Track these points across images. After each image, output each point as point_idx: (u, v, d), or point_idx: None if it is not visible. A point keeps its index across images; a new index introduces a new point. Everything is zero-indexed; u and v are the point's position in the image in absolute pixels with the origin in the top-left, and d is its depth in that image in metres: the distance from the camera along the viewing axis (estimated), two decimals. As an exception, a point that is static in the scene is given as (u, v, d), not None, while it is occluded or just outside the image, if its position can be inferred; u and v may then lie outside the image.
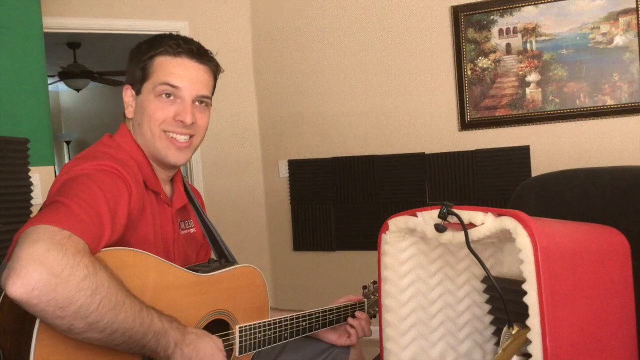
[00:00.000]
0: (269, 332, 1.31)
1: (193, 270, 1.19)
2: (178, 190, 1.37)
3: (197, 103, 1.28)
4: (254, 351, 1.29)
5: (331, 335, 1.52)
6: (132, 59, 1.29)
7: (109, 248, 1.02)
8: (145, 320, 0.99)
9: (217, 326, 1.23)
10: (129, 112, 1.29)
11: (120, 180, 1.12)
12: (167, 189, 1.34)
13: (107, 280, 0.94)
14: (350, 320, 1.52)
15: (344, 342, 1.53)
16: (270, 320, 1.32)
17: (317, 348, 1.52)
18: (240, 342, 1.25)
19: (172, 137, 1.26)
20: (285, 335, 1.36)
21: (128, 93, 1.29)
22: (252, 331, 1.27)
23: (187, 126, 1.26)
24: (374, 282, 1.68)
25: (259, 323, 1.29)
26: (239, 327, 1.25)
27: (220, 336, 1.22)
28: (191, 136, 1.29)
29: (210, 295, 1.20)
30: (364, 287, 1.67)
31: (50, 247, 0.88)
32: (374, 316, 1.67)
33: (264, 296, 1.34)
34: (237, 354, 1.24)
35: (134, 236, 1.17)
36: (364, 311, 1.60)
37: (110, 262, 0.99)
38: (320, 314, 1.46)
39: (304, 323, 1.41)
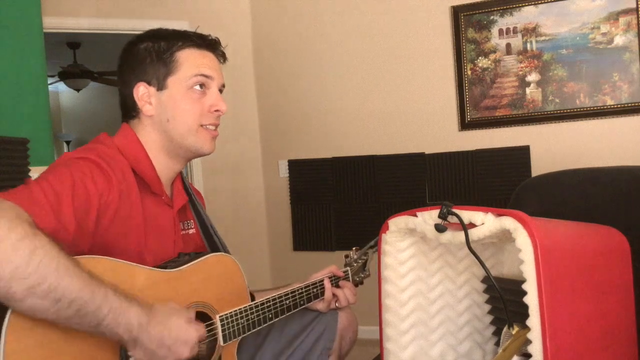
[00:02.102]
0: (252, 316, 1.30)
1: (162, 268, 1.17)
2: (177, 189, 1.36)
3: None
4: (240, 337, 1.28)
5: (316, 305, 1.51)
6: (142, 55, 1.25)
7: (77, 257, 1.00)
8: (96, 292, 0.93)
9: (197, 319, 1.20)
10: (149, 110, 1.25)
11: (98, 169, 1.11)
12: (167, 189, 1.33)
13: (48, 243, 0.90)
14: (334, 290, 1.51)
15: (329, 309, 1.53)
16: (251, 305, 1.31)
17: (305, 319, 1.52)
18: (223, 330, 1.24)
19: (208, 129, 1.28)
20: (270, 316, 1.35)
21: (141, 89, 1.25)
22: (234, 318, 1.26)
23: (219, 116, 1.29)
24: (357, 249, 1.68)
25: (239, 309, 1.28)
26: (220, 316, 1.23)
27: None
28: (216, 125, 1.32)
29: (184, 289, 1.18)
30: (346, 256, 1.67)
31: None
32: (361, 283, 1.66)
33: (241, 282, 1.32)
34: (221, 343, 1.23)
35: (119, 243, 1.15)
36: (349, 280, 1.59)
37: None
38: (304, 290, 1.46)
39: (287, 301, 1.40)
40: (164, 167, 1.29)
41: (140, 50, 1.26)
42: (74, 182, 1.04)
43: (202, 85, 1.26)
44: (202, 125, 1.27)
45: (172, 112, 1.25)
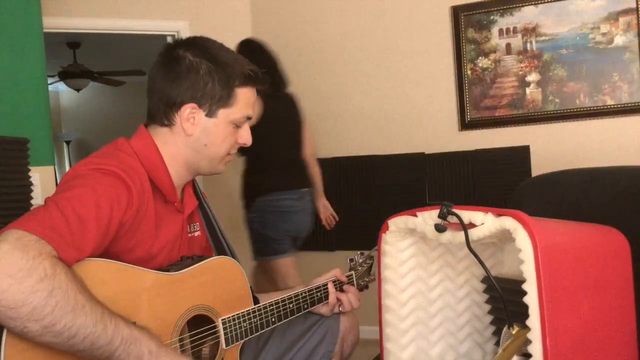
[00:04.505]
0: (255, 319, 1.30)
1: (165, 271, 1.17)
2: (188, 193, 1.37)
3: None
4: (242, 341, 1.28)
5: (319, 309, 1.51)
6: (204, 78, 1.24)
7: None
8: (108, 326, 0.96)
9: (200, 322, 1.22)
10: (190, 129, 1.25)
11: (123, 186, 1.11)
12: (179, 194, 1.34)
13: (66, 282, 0.92)
14: (338, 294, 1.51)
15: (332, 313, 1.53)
16: (254, 308, 1.31)
17: (307, 322, 1.52)
18: (225, 334, 1.24)
19: (229, 155, 1.34)
20: (273, 319, 1.35)
21: (189, 110, 1.24)
22: (236, 321, 1.26)
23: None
24: (361, 253, 1.67)
25: (242, 312, 1.28)
26: (222, 320, 1.24)
27: (204, 331, 1.22)
28: None
29: (186, 292, 1.18)
30: (351, 260, 1.66)
31: (12, 248, 0.88)
32: (366, 287, 1.66)
33: (243, 285, 1.32)
34: (224, 346, 1.24)
35: (129, 250, 1.16)
36: (353, 284, 1.59)
37: (80, 273, 0.98)
38: (307, 294, 1.45)
39: (290, 305, 1.40)
40: (179, 176, 1.30)
41: (203, 70, 1.24)
42: (98, 206, 1.04)
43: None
44: (227, 154, 1.33)
45: (212, 140, 1.28)
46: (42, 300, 0.88)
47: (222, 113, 1.27)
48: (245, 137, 1.33)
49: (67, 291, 0.92)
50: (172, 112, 1.25)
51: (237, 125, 1.30)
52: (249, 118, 1.32)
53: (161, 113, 1.27)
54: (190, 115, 1.25)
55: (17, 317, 0.87)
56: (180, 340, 1.17)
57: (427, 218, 1.20)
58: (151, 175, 1.22)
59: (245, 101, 1.29)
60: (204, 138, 1.27)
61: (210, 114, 1.26)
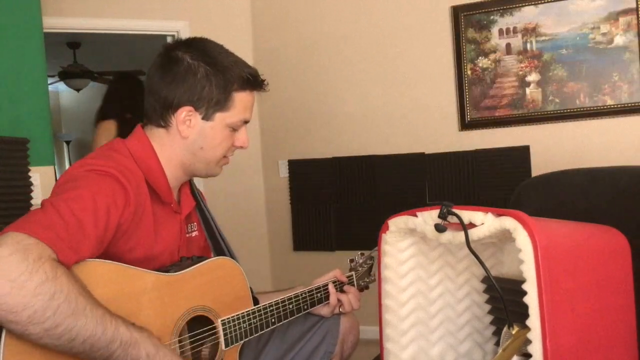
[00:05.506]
0: (255, 320, 1.30)
1: (164, 272, 1.17)
2: (185, 193, 1.37)
3: None
4: (242, 341, 1.28)
5: (320, 310, 1.50)
6: (201, 82, 1.23)
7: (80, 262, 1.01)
8: (108, 327, 0.96)
9: (199, 323, 1.22)
10: (185, 132, 1.25)
11: (119, 187, 1.11)
12: (175, 195, 1.34)
13: (67, 285, 0.92)
14: (339, 295, 1.51)
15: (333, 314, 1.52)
16: (254, 309, 1.31)
17: (307, 323, 1.51)
18: (225, 335, 1.24)
19: (226, 159, 1.34)
20: (273, 320, 1.35)
21: (185, 113, 1.23)
22: (236, 322, 1.26)
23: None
24: (362, 254, 1.67)
25: (241, 313, 1.28)
26: (221, 320, 1.24)
27: (203, 332, 1.22)
28: None
29: (185, 293, 1.18)
30: (351, 261, 1.66)
31: (12, 251, 0.88)
32: (367, 287, 1.66)
33: (243, 285, 1.32)
34: (223, 347, 1.24)
35: (127, 252, 1.16)
36: (353, 285, 1.59)
37: (79, 275, 0.98)
38: (307, 294, 1.45)
39: (290, 306, 1.40)
40: (174, 177, 1.30)
41: (201, 73, 1.23)
42: (96, 208, 1.04)
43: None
44: (224, 157, 1.32)
45: (208, 143, 1.27)
46: (43, 304, 0.88)
47: (219, 117, 1.26)
48: (243, 140, 1.32)
49: (68, 294, 0.92)
50: (169, 113, 1.25)
51: (234, 129, 1.29)
52: (246, 122, 1.32)
53: (157, 114, 1.26)
54: (186, 118, 1.24)
55: (18, 320, 0.87)
56: (180, 341, 1.17)
57: (427, 218, 1.20)
58: (147, 178, 1.22)
59: (243, 105, 1.29)
60: (199, 141, 1.26)
61: (206, 117, 1.25)
